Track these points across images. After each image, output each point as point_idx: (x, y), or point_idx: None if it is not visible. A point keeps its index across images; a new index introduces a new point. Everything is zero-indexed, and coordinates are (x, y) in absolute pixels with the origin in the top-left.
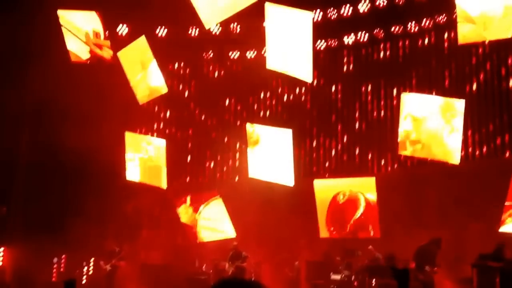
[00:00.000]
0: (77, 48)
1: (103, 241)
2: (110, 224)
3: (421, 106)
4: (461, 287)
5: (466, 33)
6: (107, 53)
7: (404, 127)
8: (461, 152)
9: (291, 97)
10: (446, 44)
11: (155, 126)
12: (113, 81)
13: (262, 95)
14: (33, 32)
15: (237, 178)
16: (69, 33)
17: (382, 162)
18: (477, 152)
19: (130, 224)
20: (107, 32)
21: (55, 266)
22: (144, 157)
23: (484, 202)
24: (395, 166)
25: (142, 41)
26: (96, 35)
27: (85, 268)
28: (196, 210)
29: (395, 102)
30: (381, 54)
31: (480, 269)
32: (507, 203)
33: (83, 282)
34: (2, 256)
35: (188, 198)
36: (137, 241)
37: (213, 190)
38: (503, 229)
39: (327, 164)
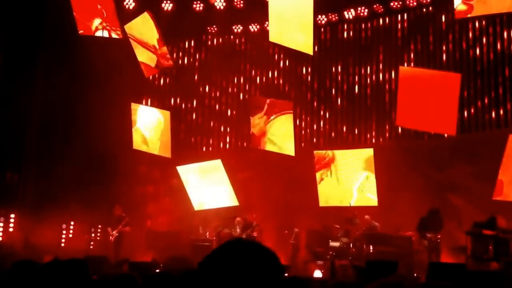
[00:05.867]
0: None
1: (110, 208)
2: (117, 192)
3: (417, 80)
4: (456, 254)
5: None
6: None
7: (402, 100)
8: (457, 124)
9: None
10: (443, 19)
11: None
12: (120, 54)
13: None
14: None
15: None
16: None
17: (380, 133)
18: (472, 125)
19: (137, 192)
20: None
21: (64, 232)
22: (150, 127)
23: (478, 173)
24: (393, 137)
25: (147, 14)
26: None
27: (93, 234)
28: None
29: (393, 75)
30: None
31: (474, 237)
32: (500, 174)
33: (91, 247)
34: (13, 222)
35: None
36: (143, 208)
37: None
38: (496, 198)
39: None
